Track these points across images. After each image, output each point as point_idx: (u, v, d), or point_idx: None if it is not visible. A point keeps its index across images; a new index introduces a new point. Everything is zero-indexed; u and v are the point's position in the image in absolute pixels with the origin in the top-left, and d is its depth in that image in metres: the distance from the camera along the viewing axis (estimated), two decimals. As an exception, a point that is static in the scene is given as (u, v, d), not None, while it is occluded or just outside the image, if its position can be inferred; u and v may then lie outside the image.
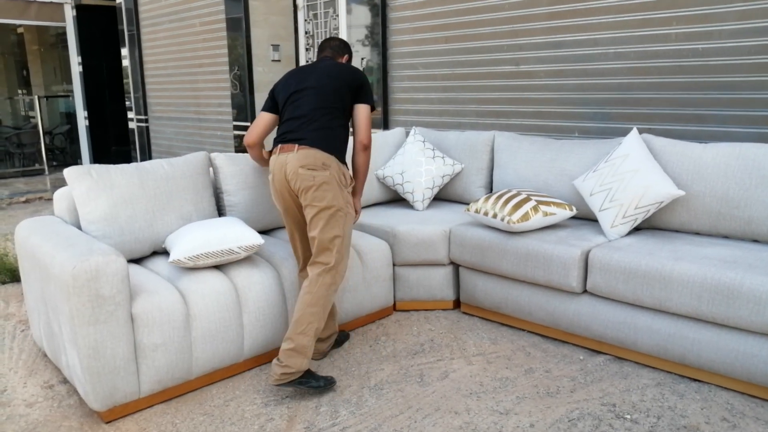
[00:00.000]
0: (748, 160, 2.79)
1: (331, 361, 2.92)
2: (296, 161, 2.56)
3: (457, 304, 3.53)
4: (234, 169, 3.19)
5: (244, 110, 6.18)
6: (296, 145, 2.59)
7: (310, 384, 2.57)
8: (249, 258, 2.87)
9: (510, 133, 3.86)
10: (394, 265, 3.44)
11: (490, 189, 3.88)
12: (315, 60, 2.96)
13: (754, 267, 2.48)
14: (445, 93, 4.69)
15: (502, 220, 3.06)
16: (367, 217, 3.66)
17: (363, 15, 5.20)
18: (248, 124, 6.17)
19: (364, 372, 2.80)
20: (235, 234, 2.72)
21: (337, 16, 5.62)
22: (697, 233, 2.98)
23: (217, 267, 2.79)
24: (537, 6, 4.03)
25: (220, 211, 3.26)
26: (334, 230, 2.57)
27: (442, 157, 3.88)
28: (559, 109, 4.03)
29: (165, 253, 3.00)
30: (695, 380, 2.63)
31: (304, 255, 2.83)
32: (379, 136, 4.08)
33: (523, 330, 3.19)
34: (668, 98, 3.53)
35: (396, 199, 4.09)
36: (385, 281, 3.34)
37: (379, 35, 5.05)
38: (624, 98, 3.71)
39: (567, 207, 3.12)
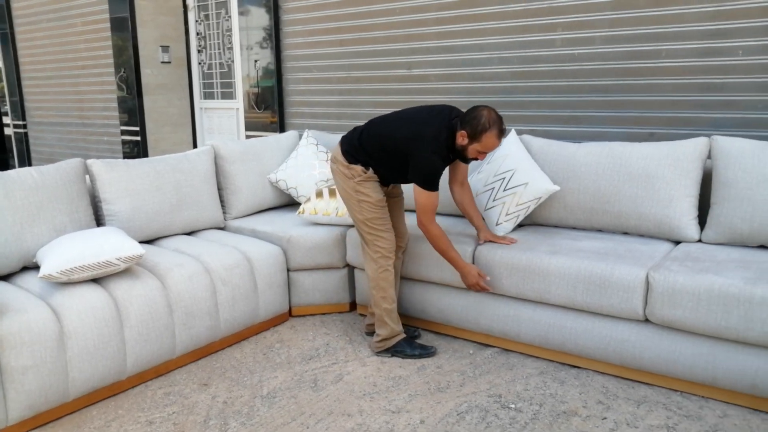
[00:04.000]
0: (616, 158, 2.99)
1: (222, 371, 2.84)
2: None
3: (353, 306, 3.54)
4: (113, 176, 3.03)
5: (134, 115, 5.89)
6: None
7: (405, 352, 2.90)
8: (130, 269, 2.73)
9: (402, 136, 3.91)
10: (288, 270, 3.39)
11: (384, 191, 3.91)
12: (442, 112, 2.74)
13: (623, 258, 2.66)
14: (341, 96, 4.70)
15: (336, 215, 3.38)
16: (259, 222, 3.59)
17: (256, 17, 5.11)
18: (138, 128, 5.90)
19: (257, 381, 2.74)
20: (112, 245, 2.58)
21: (230, 17, 5.49)
22: (574, 228, 3.15)
23: (95, 280, 2.63)
24: (427, 11, 4.12)
25: (100, 221, 3.08)
26: (353, 214, 2.86)
27: (336, 160, 3.88)
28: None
29: (37, 267, 2.79)
30: (574, 367, 2.78)
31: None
32: (271, 140, 4.02)
33: (417, 327, 3.24)
34: (548, 101, 3.72)
35: (290, 204, 4.04)
36: (279, 287, 3.29)
37: (273, 37, 4.98)
38: (509, 101, 3.87)
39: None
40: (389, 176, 2.84)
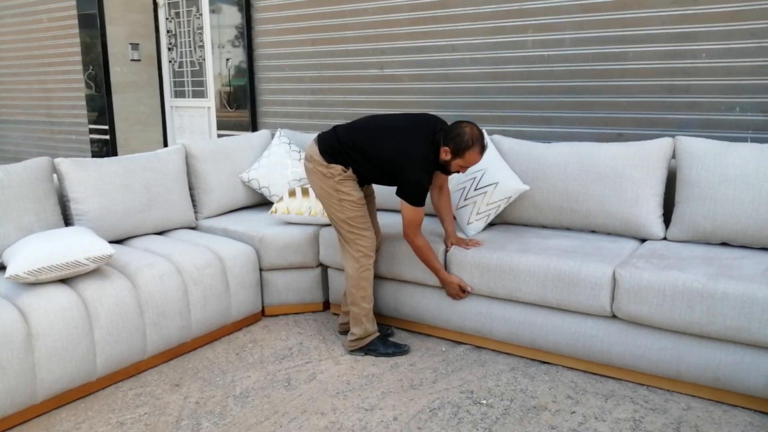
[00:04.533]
0: (585, 158, 3.05)
1: (194, 372, 2.82)
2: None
3: (327, 305, 3.54)
4: (81, 175, 2.98)
5: (103, 113, 5.80)
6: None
7: (378, 351, 2.91)
8: (99, 270, 2.69)
9: (375, 135, 3.93)
10: (261, 270, 3.38)
11: (357, 190, 3.93)
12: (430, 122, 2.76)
13: (590, 255, 2.72)
14: (313, 95, 4.70)
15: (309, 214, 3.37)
16: (231, 222, 3.57)
17: (228, 15, 5.08)
18: (107, 127, 5.80)
19: (230, 381, 2.73)
20: (81, 244, 2.54)
21: (201, 15, 5.44)
22: (543, 227, 3.21)
23: (64, 281, 2.59)
24: (399, 11, 4.14)
25: (68, 221, 3.03)
26: (333, 214, 2.82)
27: (309, 160, 3.88)
28: (422, 111, 4.16)
29: (3, 268, 2.74)
30: (544, 363, 2.83)
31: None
32: (243, 139, 4.00)
33: (391, 326, 3.26)
34: (519, 101, 3.77)
35: (262, 203, 4.02)
36: (251, 287, 3.27)
37: (245, 36, 4.95)
38: (481, 102, 3.91)
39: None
40: (370, 179, 2.86)
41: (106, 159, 3.17)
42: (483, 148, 2.65)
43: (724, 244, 2.80)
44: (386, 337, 3.07)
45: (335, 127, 2.87)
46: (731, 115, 3.16)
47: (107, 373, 2.66)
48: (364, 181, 2.88)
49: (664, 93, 3.32)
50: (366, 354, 2.93)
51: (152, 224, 3.29)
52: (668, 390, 2.56)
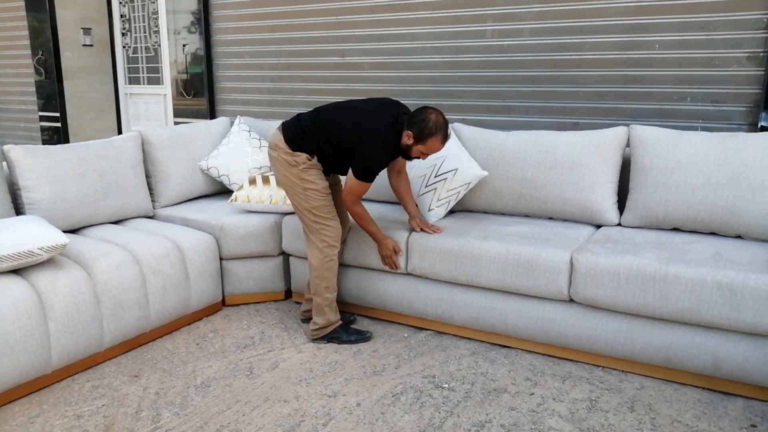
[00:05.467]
0: (543, 146, 3.11)
1: (153, 363, 2.77)
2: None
3: (288, 294, 3.53)
4: (32, 162, 2.88)
5: (53, 99, 5.60)
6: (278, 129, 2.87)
7: (341, 338, 2.93)
8: (53, 260, 2.61)
9: (336, 123, 3.91)
10: (221, 259, 3.34)
11: (319, 178, 3.90)
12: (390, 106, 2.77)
13: (549, 241, 2.78)
14: (273, 83, 4.64)
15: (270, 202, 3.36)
16: (190, 210, 3.51)
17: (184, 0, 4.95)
18: (57, 114, 5.61)
19: (190, 371, 2.70)
20: (34, 234, 2.46)
21: (156, -1, 5.29)
22: (503, 213, 3.26)
23: (16, 272, 2.51)
24: (359, -1, 4.12)
25: (19, 210, 2.93)
26: (297, 203, 2.81)
27: (270, 148, 3.84)
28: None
29: (-51, 259, 2.63)
30: (504, 347, 2.89)
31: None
32: (202, 126, 3.93)
33: (353, 313, 3.27)
34: (479, 90, 3.81)
35: (222, 191, 3.97)
36: (211, 276, 3.23)
37: (202, 22, 4.85)
38: (441, 90, 3.93)
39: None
40: (334, 167, 2.85)
41: (58, 146, 3.07)
42: (446, 137, 2.67)
43: (675, 229, 2.91)
44: (349, 324, 3.08)
45: (298, 115, 2.85)
46: (683, 105, 3.27)
47: (63, 366, 2.59)
48: (330, 170, 2.87)
49: (619, 83, 3.40)
50: (329, 341, 2.94)
51: (108, 213, 3.21)
52: (623, 370, 2.65)
